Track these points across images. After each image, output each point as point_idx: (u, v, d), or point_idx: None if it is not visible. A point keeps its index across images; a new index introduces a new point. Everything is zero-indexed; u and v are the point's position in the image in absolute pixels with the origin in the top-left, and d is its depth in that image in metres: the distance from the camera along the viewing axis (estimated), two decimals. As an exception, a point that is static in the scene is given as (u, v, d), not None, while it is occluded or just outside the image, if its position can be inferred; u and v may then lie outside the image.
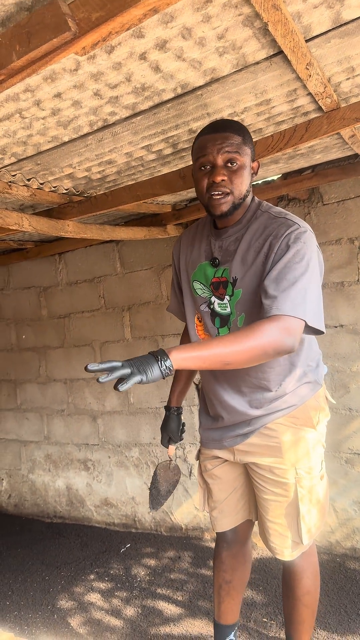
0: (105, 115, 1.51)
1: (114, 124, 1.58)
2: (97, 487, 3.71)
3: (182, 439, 2.00)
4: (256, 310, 1.58)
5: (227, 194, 1.52)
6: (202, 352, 1.34)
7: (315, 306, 1.48)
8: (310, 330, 1.50)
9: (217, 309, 1.69)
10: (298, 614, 1.83)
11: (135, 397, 3.48)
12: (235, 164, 1.51)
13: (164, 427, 2.00)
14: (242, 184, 1.54)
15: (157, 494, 1.98)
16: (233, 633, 2.02)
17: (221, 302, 1.67)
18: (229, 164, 1.51)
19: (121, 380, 1.21)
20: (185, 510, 3.33)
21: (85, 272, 3.64)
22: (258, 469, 1.75)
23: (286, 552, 1.76)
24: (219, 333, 1.70)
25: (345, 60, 1.40)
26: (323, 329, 1.50)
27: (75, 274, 3.69)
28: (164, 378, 1.28)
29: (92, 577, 2.99)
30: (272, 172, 2.56)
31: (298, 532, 1.72)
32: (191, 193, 2.62)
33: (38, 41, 0.94)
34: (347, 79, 1.51)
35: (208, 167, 1.53)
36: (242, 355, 1.36)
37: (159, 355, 1.27)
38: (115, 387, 1.21)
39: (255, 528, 1.98)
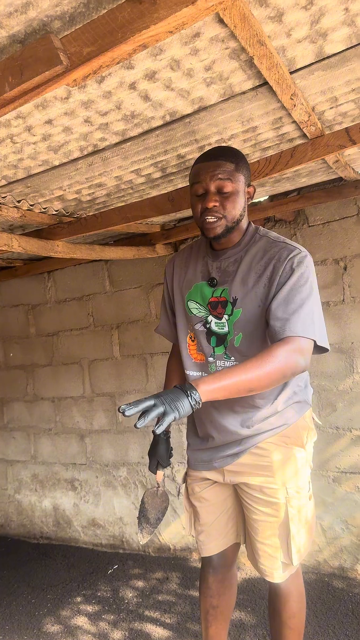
0: (95, 140, 1.54)
1: (104, 149, 1.61)
2: (84, 507, 3.68)
3: (170, 464, 1.98)
4: (255, 330, 1.63)
5: (219, 218, 1.58)
6: (228, 381, 1.40)
7: (321, 326, 1.56)
8: (316, 349, 1.56)
9: (214, 328, 1.71)
10: (284, 637, 1.82)
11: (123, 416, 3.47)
12: (227, 191, 1.56)
13: (153, 452, 1.93)
14: (234, 209, 1.59)
15: (147, 523, 1.93)
16: (222, 657, 2.01)
17: (219, 321, 1.69)
18: (221, 191, 1.56)
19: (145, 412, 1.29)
20: (174, 530, 3.31)
21: (74, 290, 3.65)
22: (248, 489, 1.75)
23: (276, 574, 1.75)
24: (214, 352, 1.72)
25: (328, 91, 1.44)
26: (328, 347, 1.58)
27: (64, 292, 3.70)
28: (193, 412, 1.34)
29: (79, 599, 2.95)
30: (258, 195, 2.60)
31: (288, 552, 1.73)
32: (180, 214, 2.65)
33: (30, 73, 0.97)
34: (331, 108, 1.56)
35: (201, 193, 1.58)
36: (263, 380, 1.43)
37: (187, 389, 1.34)
38: (153, 431, 1.30)
39: (243, 549, 1.98)
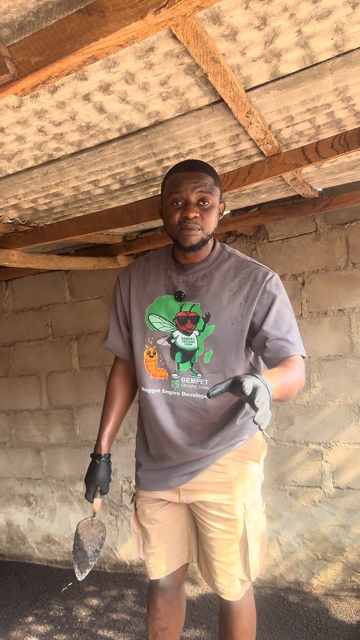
0: (50, 150, 1.52)
1: (59, 159, 1.58)
2: (39, 523, 3.58)
3: (109, 489, 1.82)
4: (226, 347, 1.62)
5: (198, 229, 1.56)
6: (283, 382, 1.32)
7: None
8: None
9: (181, 343, 1.66)
10: None
11: (81, 429, 3.41)
12: (207, 203, 1.56)
13: (92, 478, 1.78)
14: (212, 222, 1.59)
15: (84, 557, 1.77)
16: None
17: (187, 336, 1.65)
18: (201, 203, 1.55)
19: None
20: (130, 546, 3.25)
21: (32, 300, 3.58)
22: (205, 507, 1.73)
23: (233, 592, 1.74)
24: (178, 368, 1.67)
25: (284, 110, 1.46)
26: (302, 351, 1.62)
27: (22, 301, 3.62)
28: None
29: (30, 619, 2.86)
30: (219, 209, 2.62)
31: (246, 568, 1.72)
32: (141, 225, 2.64)
33: (-24, 81, 0.94)
34: (287, 126, 1.57)
35: (180, 203, 1.56)
36: (294, 390, 1.43)
37: (267, 384, 1.18)
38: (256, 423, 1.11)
39: (192, 567, 1.95)
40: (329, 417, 2.72)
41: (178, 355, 1.67)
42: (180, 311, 1.66)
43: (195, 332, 1.64)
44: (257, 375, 1.19)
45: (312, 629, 2.51)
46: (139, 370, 1.75)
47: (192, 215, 1.53)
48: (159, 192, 1.98)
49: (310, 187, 2.30)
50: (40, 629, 2.75)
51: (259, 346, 1.58)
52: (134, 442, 3.04)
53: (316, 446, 2.75)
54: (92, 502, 1.79)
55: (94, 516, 1.82)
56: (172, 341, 1.67)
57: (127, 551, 3.28)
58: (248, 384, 1.12)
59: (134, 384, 1.87)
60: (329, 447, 2.73)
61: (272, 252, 2.83)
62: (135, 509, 1.86)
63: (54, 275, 3.48)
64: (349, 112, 1.52)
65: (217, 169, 1.83)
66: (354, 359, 2.66)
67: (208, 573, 1.80)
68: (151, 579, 1.87)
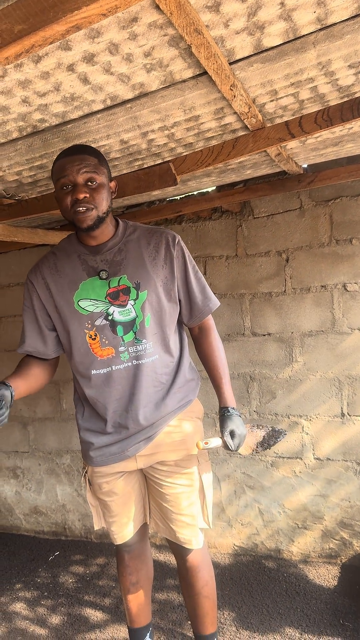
0: (34, 122, 1.51)
1: (43, 130, 1.58)
2: (26, 495, 3.64)
3: None
4: (160, 309, 1.77)
5: (91, 209, 1.64)
6: (228, 378, 1.89)
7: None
8: None
9: (118, 317, 1.74)
10: (201, 607, 1.90)
11: (68, 403, 3.45)
12: (94, 183, 1.64)
13: None
14: (104, 200, 1.67)
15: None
16: (149, 634, 2.06)
17: (123, 309, 1.73)
18: (89, 183, 1.63)
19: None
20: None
21: (18, 275, 3.57)
22: (163, 467, 1.81)
23: (194, 541, 1.84)
24: (123, 340, 1.74)
25: (268, 84, 1.47)
26: (218, 302, 1.92)
27: (7, 276, 3.61)
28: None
29: (18, 586, 2.93)
30: (205, 185, 2.63)
31: (204, 517, 1.84)
32: (127, 200, 2.64)
33: None
34: (271, 100, 1.58)
35: (69, 186, 1.63)
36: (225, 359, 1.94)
37: (238, 413, 1.82)
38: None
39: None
40: (310, 390, 2.78)
41: (119, 329, 1.74)
42: (110, 287, 1.74)
43: (131, 302, 1.73)
44: (232, 427, 1.76)
45: (291, 593, 2.61)
46: (82, 357, 1.78)
47: (81, 196, 1.61)
48: (144, 166, 1.99)
49: (295, 163, 2.32)
50: (28, 595, 2.82)
51: (188, 302, 1.85)
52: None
53: (297, 419, 2.82)
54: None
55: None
56: (110, 318, 1.74)
57: (112, 521, 3.35)
58: (235, 444, 1.75)
59: (49, 378, 1.90)
60: (310, 419, 2.80)
61: (257, 229, 2.85)
62: (89, 484, 1.93)
63: (40, 250, 3.47)
64: (332, 87, 1.53)
65: (202, 143, 1.84)
66: (335, 334, 2.72)
67: (169, 529, 1.87)
68: (116, 544, 1.97)
